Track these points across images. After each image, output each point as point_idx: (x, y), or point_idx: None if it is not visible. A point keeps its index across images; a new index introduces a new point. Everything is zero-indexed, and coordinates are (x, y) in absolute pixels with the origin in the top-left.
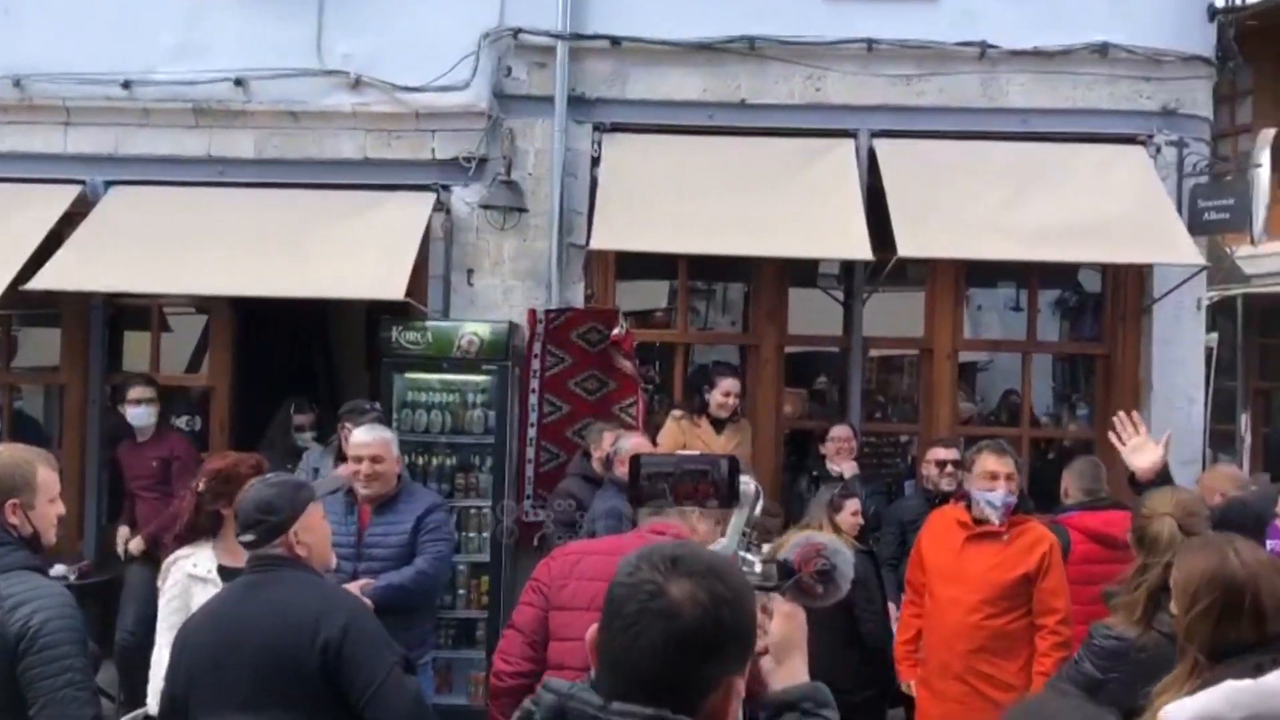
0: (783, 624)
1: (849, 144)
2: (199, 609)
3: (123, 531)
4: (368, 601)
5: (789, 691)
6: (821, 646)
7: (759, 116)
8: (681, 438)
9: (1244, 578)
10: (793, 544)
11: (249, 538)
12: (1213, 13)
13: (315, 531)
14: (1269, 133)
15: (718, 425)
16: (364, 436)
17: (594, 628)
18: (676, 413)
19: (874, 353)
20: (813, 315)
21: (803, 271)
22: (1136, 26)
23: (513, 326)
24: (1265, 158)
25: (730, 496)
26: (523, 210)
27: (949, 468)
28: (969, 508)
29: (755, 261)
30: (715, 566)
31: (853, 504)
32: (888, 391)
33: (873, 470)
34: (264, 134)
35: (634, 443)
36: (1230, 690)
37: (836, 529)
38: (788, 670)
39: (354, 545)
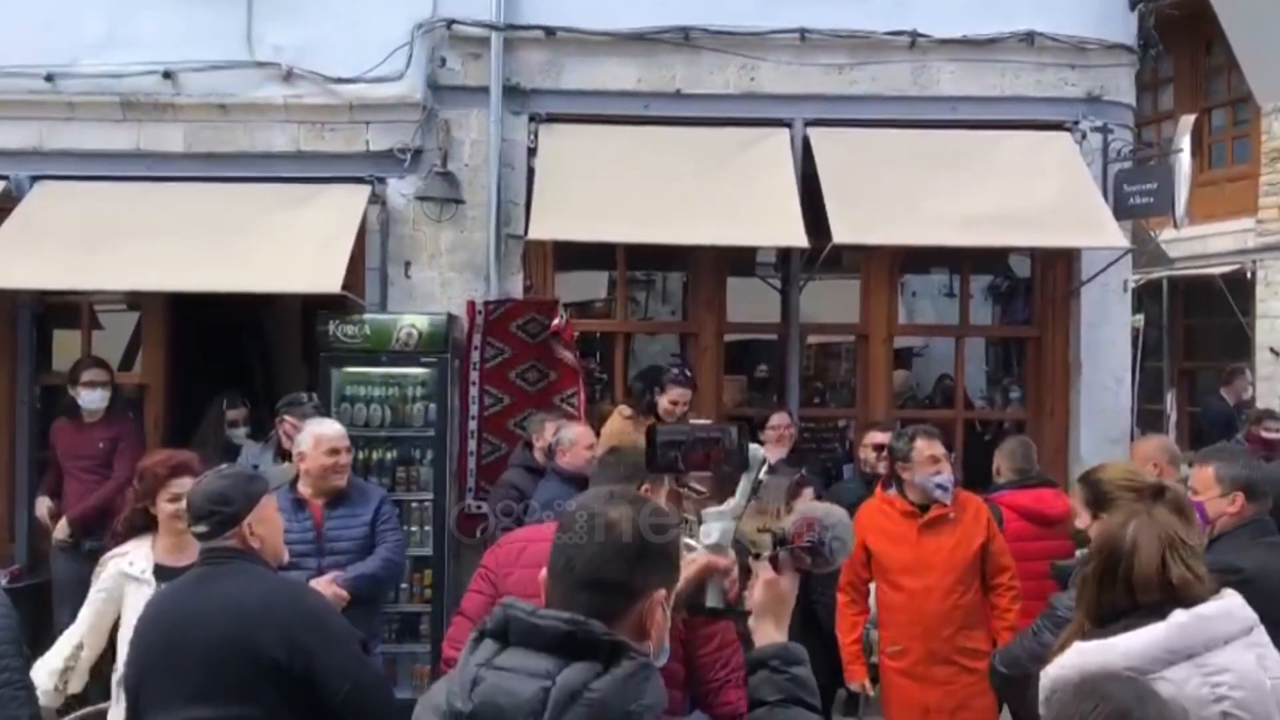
0: (761, 590)
1: (784, 133)
2: (150, 602)
3: (43, 502)
4: (342, 593)
5: (762, 650)
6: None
7: (694, 106)
8: (623, 433)
9: (1127, 546)
10: (794, 514)
11: (201, 529)
12: (1134, 2)
13: (269, 524)
14: (1189, 119)
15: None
16: (335, 429)
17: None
18: (624, 409)
19: (812, 340)
20: (751, 303)
21: (740, 260)
22: (1061, 15)
23: (451, 318)
24: (1186, 142)
25: (742, 462)
26: (459, 202)
27: (885, 451)
28: (902, 496)
29: (693, 250)
30: (645, 501)
31: (809, 492)
32: (826, 377)
33: (812, 455)
34: (194, 127)
35: (577, 432)
36: (1075, 650)
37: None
38: (763, 632)
39: (313, 541)
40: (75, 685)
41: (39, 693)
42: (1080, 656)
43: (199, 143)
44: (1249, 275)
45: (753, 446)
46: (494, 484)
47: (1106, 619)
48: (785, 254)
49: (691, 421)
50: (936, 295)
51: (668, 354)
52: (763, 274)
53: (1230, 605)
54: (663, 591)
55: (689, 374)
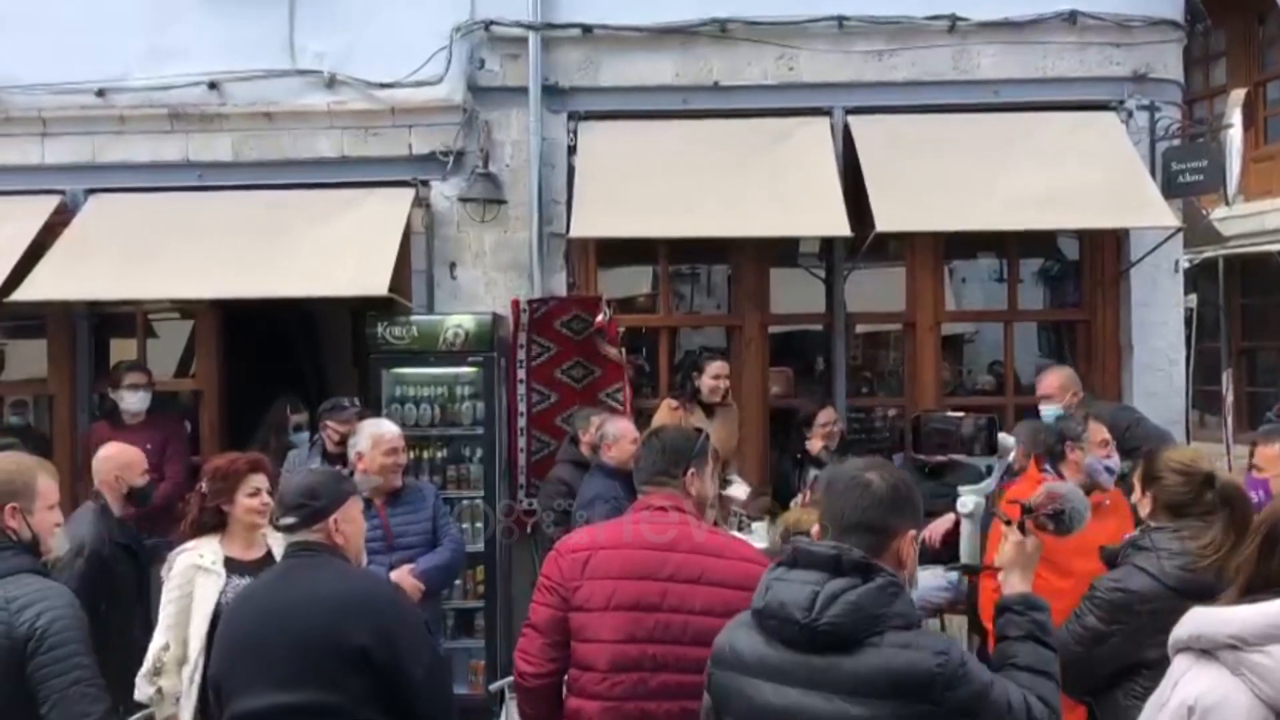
0: (1011, 549)
1: (824, 122)
2: (239, 593)
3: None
4: (419, 584)
5: (1008, 598)
6: None
7: (732, 98)
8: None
9: None
10: (1040, 489)
11: (290, 520)
12: None
13: (354, 523)
14: (1239, 93)
15: (708, 410)
16: (393, 429)
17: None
18: (671, 401)
19: (860, 329)
20: (795, 294)
21: (783, 251)
22: None
23: (497, 318)
24: (1237, 118)
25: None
26: (502, 202)
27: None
28: (1061, 478)
29: (736, 243)
30: (892, 468)
31: None
32: (874, 367)
33: (861, 445)
34: (241, 136)
35: (621, 427)
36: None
37: None
38: (1010, 583)
39: (382, 539)
40: (168, 684)
41: (144, 701)
42: (1193, 620)
43: (246, 151)
44: None
45: (1002, 435)
46: (544, 480)
47: (1256, 590)
48: (828, 243)
49: (948, 414)
50: (985, 280)
51: (716, 348)
52: (806, 264)
53: None
54: (913, 531)
55: (719, 348)
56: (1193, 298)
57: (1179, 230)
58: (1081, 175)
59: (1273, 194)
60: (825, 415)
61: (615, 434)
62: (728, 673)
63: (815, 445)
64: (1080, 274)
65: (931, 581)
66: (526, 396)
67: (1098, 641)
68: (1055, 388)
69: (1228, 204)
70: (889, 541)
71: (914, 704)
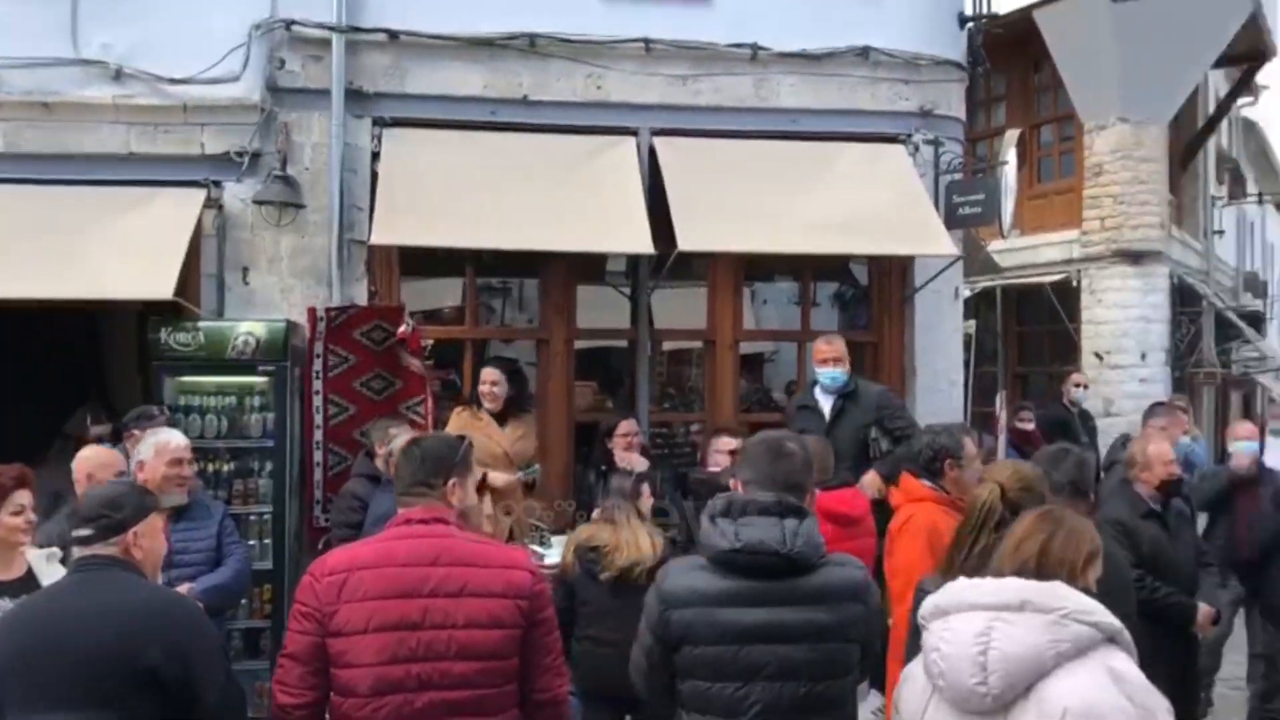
0: None
1: (630, 141)
2: (15, 605)
3: None
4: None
5: None
6: (634, 636)
7: (541, 113)
8: (465, 431)
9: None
10: None
11: (85, 532)
12: (963, 20)
13: (154, 538)
14: (1014, 133)
15: (500, 418)
16: (179, 439)
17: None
18: (460, 408)
19: (667, 346)
20: (602, 310)
21: (590, 267)
22: (895, 32)
23: (292, 326)
24: (1011, 155)
25: None
26: (300, 206)
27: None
28: (944, 491)
29: (544, 258)
30: (801, 440)
31: (645, 488)
32: (679, 383)
33: (665, 459)
34: (15, 126)
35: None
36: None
37: (640, 515)
38: None
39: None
40: None
41: None
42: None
43: (22, 143)
44: (1075, 283)
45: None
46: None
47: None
48: (634, 261)
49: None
50: (785, 303)
51: (524, 361)
52: (613, 281)
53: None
54: (816, 488)
55: (504, 357)
56: (972, 323)
57: (959, 259)
58: (872, 204)
59: (1045, 229)
60: (626, 426)
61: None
62: (690, 609)
63: (625, 458)
64: (869, 298)
65: None
66: (323, 408)
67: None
68: (841, 353)
69: (1003, 236)
70: (805, 495)
71: (853, 605)
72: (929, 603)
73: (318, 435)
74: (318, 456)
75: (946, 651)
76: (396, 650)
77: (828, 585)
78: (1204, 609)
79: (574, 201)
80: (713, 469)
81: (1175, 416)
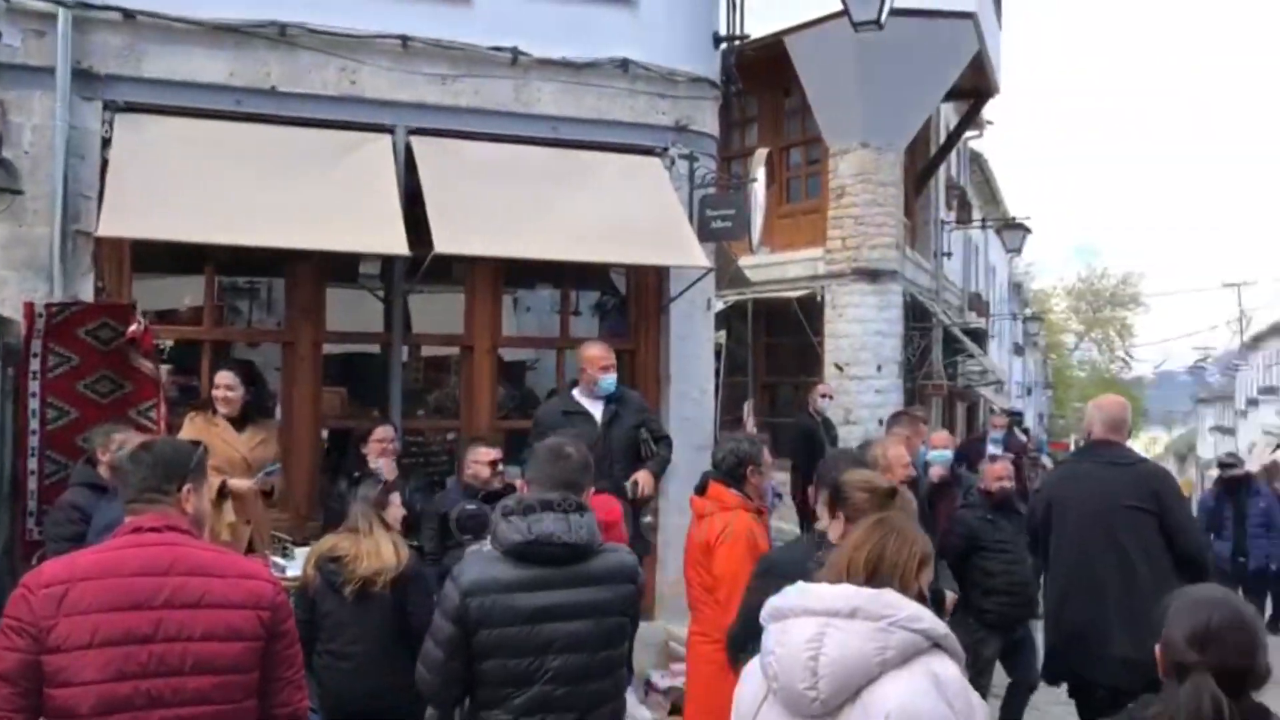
0: None
1: (386, 139)
2: None
3: None
4: None
5: None
6: (376, 644)
7: (291, 106)
8: (199, 437)
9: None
10: None
11: None
12: (717, 40)
13: None
14: (763, 151)
15: (238, 423)
16: None
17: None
18: (193, 413)
19: (425, 353)
20: (355, 313)
21: (342, 268)
22: (653, 46)
23: (5, 322)
24: (761, 173)
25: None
26: (17, 191)
27: (499, 467)
28: (747, 497)
29: (291, 257)
30: (579, 444)
31: (395, 498)
32: (436, 390)
33: (419, 467)
34: None
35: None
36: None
37: (385, 525)
38: None
39: None
40: None
41: None
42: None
43: None
44: (819, 299)
45: None
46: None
47: None
48: (389, 263)
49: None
50: (547, 311)
51: (271, 366)
52: (366, 284)
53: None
54: (593, 487)
55: (241, 360)
56: (722, 334)
57: (710, 271)
58: (629, 214)
59: (793, 247)
60: (382, 432)
61: None
62: (489, 596)
63: (371, 461)
64: (627, 307)
65: None
66: (40, 412)
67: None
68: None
69: (752, 251)
70: (583, 492)
71: (627, 585)
72: (770, 605)
73: (33, 441)
74: (32, 464)
75: (780, 654)
76: (124, 666)
77: (607, 569)
78: (949, 595)
79: (324, 199)
80: (469, 481)
81: (916, 426)
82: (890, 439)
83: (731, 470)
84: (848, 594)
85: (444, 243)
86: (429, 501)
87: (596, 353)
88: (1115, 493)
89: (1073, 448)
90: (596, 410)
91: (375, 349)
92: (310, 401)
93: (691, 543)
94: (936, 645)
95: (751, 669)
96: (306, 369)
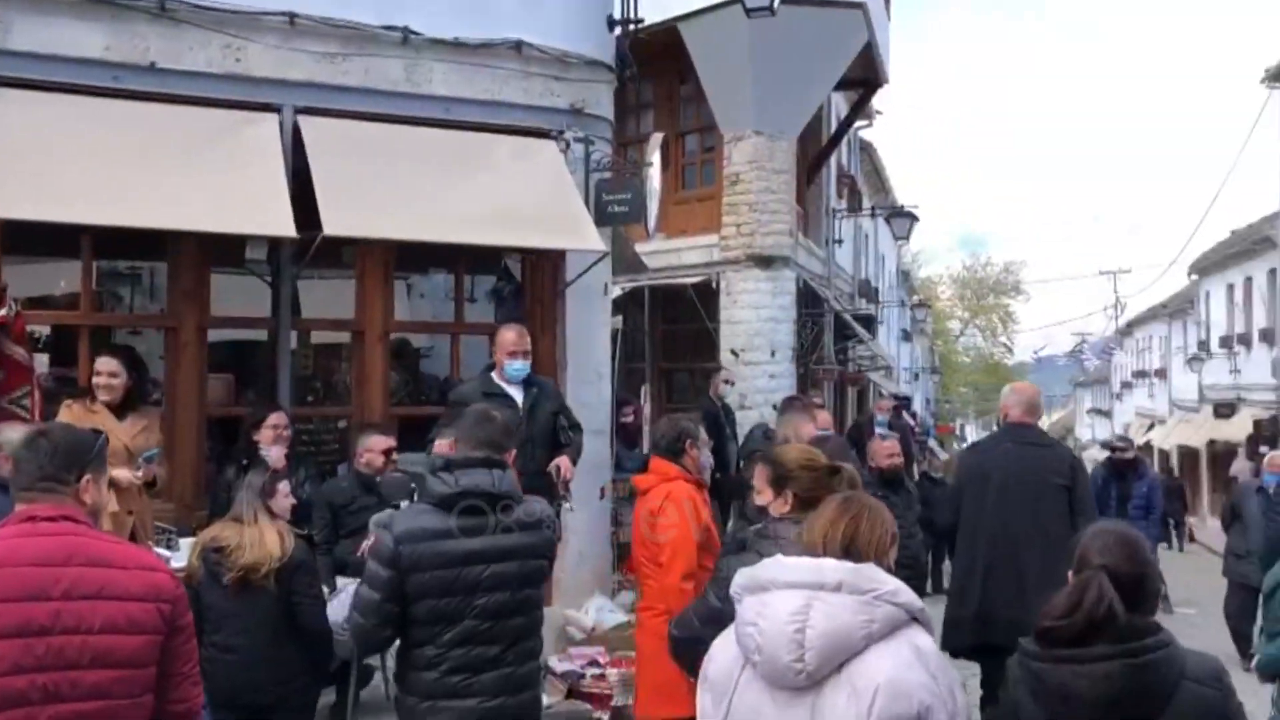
0: None
1: (272, 119)
2: None
3: None
4: None
5: None
6: (262, 635)
7: (173, 83)
8: (80, 421)
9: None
10: None
11: None
12: (611, 24)
13: None
14: (658, 137)
15: (119, 411)
16: None
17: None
18: (69, 401)
19: (316, 340)
20: (241, 298)
21: (227, 252)
22: (547, 28)
23: None
24: (656, 158)
25: None
26: None
27: (394, 455)
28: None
29: (174, 239)
30: (501, 410)
31: (284, 486)
32: (327, 377)
33: (309, 455)
34: None
35: (15, 433)
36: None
37: (271, 514)
38: None
39: None
40: None
41: None
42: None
43: None
44: (714, 285)
45: None
46: None
47: None
48: (276, 246)
49: None
50: (442, 297)
51: (154, 353)
52: (253, 268)
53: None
54: (513, 451)
55: (120, 345)
56: (619, 319)
57: (607, 255)
58: (524, 197)
59: (689, 233)
60: (276, 418)
61: (10, 444)
62: (419, 544)
63: (264, 448)
64: (523, 292)
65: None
66: None
67: (714, 619)
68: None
69: (648, 236)
70: (505, 452)
71: (545, 530)
72: (745, 575)
73: None
74: None
75: (764, 627)
76: (20, 659)
77: (529, 516)
78: None
79: (207, 179)
80: (362, 469)
81: (810, 410)
82: (798, 418)
83: (671, 445)
84: (833, 567)
85: (333, 225)
86: (319, 489)
87: (510, 337)
88: (1041, 470)
89: (959, 431)
90: (518, 396)
91: (263, 335)
92: (195, 388)
93: (637, 518)
94: (914, 619)
95: (722, 642)
96: (191, 355)
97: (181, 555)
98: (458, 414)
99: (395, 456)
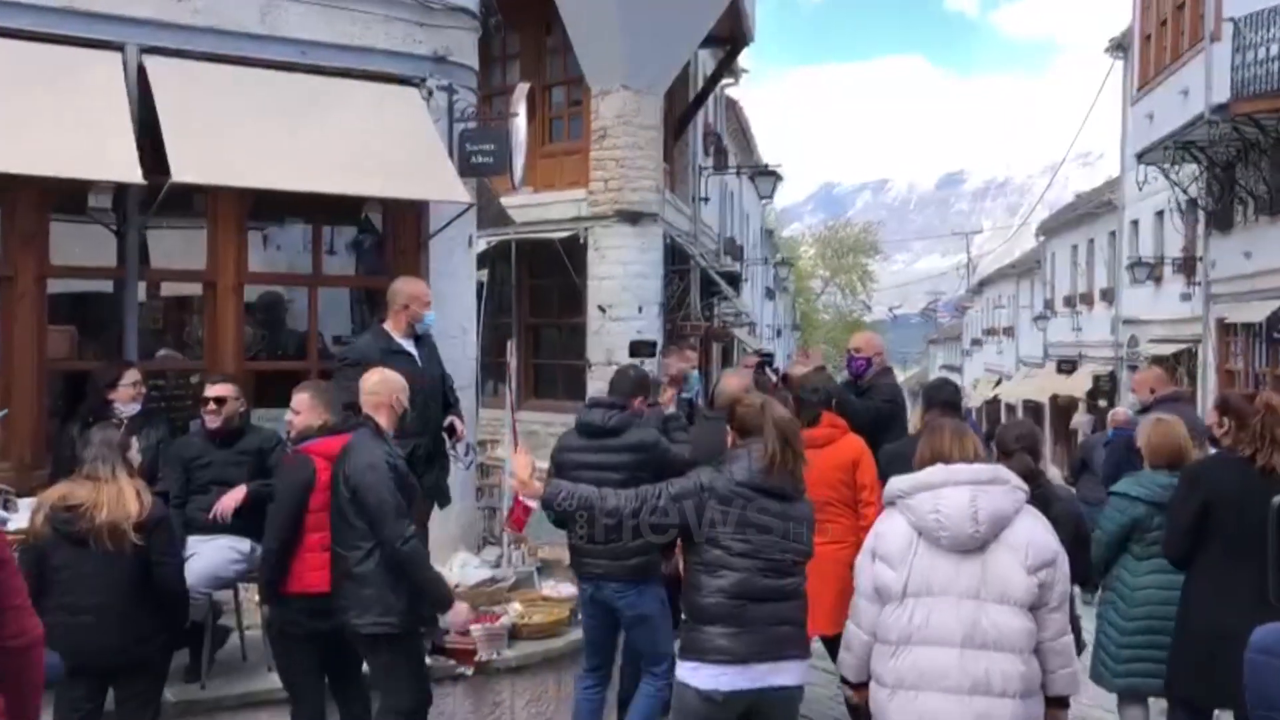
0: None
1: (115, 57)
2: None
3: None
4: None
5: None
6: (118, 595)
7: (5, 16)
8: None
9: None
10: None
11: None
12: None
13: None
14: (524, 86)
15: None
16: None
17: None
18: None
19: (167, 292)
20: (84, 246)
21: (68, 198)
22: None
23: None
24: (521, 108)
25: None
26: None
27: (211, 405)
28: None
29: (9, 184)
30: (640, 367)
31: (133, 441)
32: (179, 330)
33: (159, 411)
34: None
35: None
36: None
37: (130, 471)
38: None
39: None
40: None
41: None
42: (887, 485)
43: None
44: (582, 240)
45: None
46: None
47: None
48: (122, 192)
49: None
50: (300, 248)
51: None
52: (97, 216)
53: None
54: (640, 399)
55: None
56: (484, 273)
57: (471, 206)
58: (385, 146)
59: (556, 188)
60: (131, 375)
61: None
62: (564, 453)
63: (122, 406)
64: (384, 244)
65: (220, 556)
66: None
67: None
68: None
69: (514, 188)
70: (632, 401)
71: (645, 454)
72: (912, 480)
73: None
74: None
75: (947, 512)
76: None
77: (633, 441)
78: None
79: (45, 120)
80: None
81: (684, 353)
82: (732, 374)
83: (826, 400)
84: (983, 469)
85: (182, 171)
86: (170, 446)
87: (423, 288)
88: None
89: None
90: (416, 353)
91: (108, 286)
92: (34, 341)
93: (824, 465)
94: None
95: (890, 527)
96: (28, 306)
97: (21, 516)
98: (353, 371)
99: (241, 406)
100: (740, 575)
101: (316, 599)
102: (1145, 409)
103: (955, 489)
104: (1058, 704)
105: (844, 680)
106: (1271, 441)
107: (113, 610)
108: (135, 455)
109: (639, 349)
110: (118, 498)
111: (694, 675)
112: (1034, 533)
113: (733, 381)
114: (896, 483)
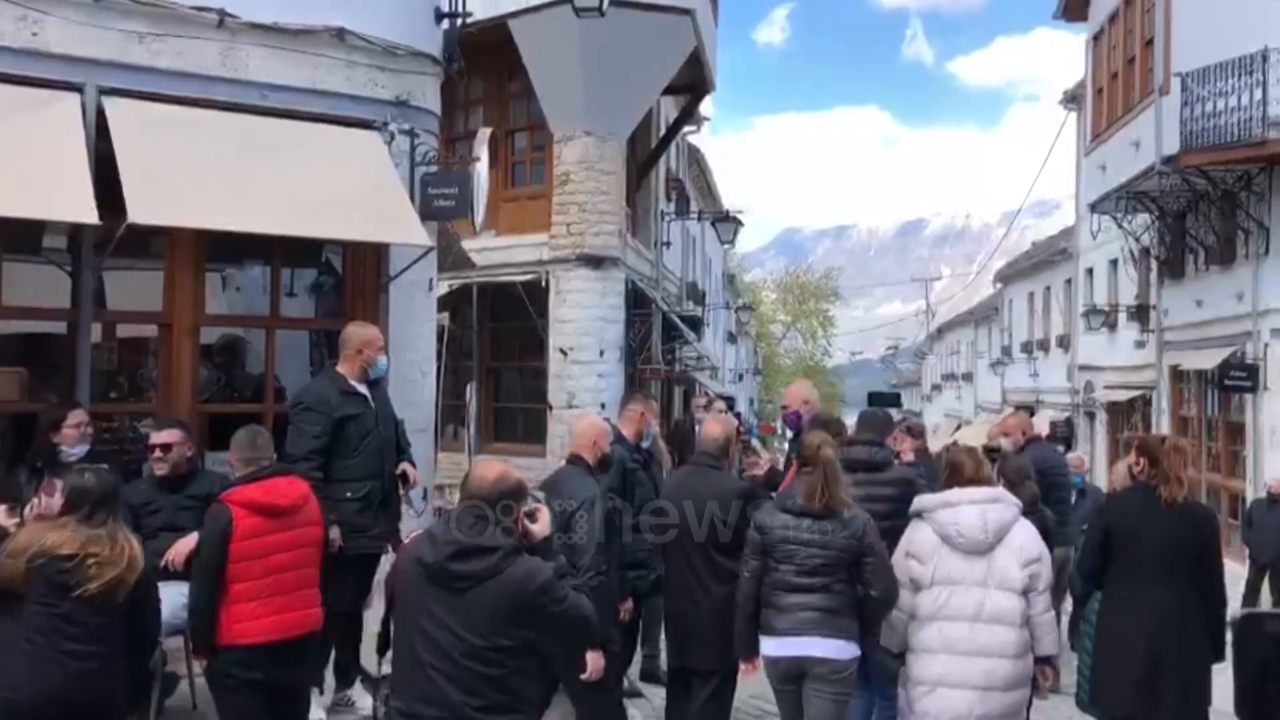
0: None
1: (74, 98)
2: None
3: None
4: None
5: None
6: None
7: None
8: None
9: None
10: None
11: None
12: (439, 16)
13: None
14: (486, 131)
15: None
16: None
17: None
18: None
19: (122, 334)
20: (37, 287)
21: (23, 238)
22: (371, 18)
23: None
24: (483, 152)
25: None
26: None
27: (158, 451)
28: None
29: None
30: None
31: (58, 484)
32: (133, 372)
33: (111, 454)
34: None
35: None
36: None
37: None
38: None
39: None
40: None
41: None
42: (915, 501)
43: None
44: (544, 284)
45: None
46: None
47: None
48: (77, 233)
49: None
50: (260, 291)
51: None
52: (51, 256)
53: None
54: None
55: None
56: (445, 316)
57: (431, 249)
58: (346, 189)
59: (518, 232)
60: (76, 416)
61: None
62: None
63: (70, 448)
64: (343, 286)
65: (171, 603)
66: None
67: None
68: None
69: (475, 231)
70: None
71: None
72: (934, 499)
73: None
74: None
75: (962, 523)
76: None
77: (897, 476)
78: None
79: (5, 160)
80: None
81: (649, 404)
82: (713, 419)
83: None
84: (989, 491)
85: (138, 212)
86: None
87: (375, 335)
88: None
89: (779, 430)
90: (368, 395)
91: (62, 327)
92: None
93: None
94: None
95: (918, 535)
96: None
97: None
98: (307, 415)
99: (190, 451)
100: (777, 576)
101: (248, 650)
102: (1019, 450)
103: (970, 506)
104: (1044, 661)
105: (887, 651)
106: (1175, 479)
107: (108, 659)
108: (57, 498)
109: (880, 399)
110: (132, 554)
111: (763, 646)
112: (1027, 537)
113: (714, 427)
114: (923, 500)
